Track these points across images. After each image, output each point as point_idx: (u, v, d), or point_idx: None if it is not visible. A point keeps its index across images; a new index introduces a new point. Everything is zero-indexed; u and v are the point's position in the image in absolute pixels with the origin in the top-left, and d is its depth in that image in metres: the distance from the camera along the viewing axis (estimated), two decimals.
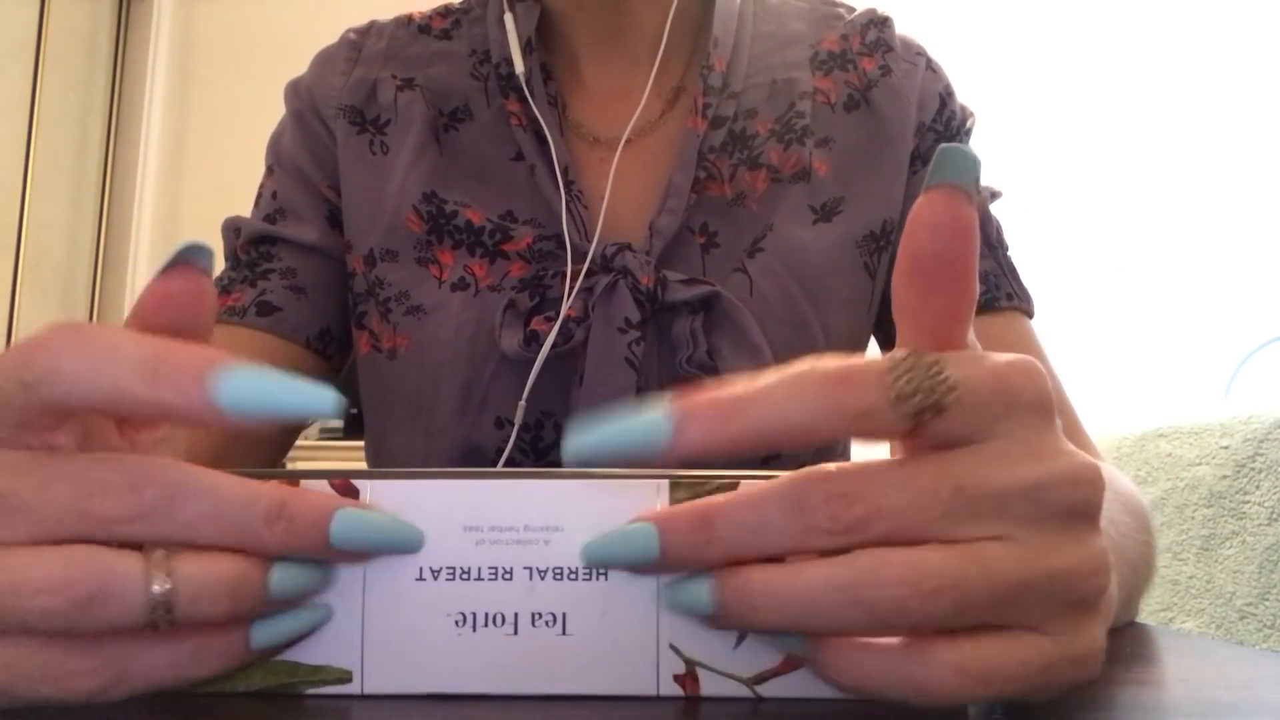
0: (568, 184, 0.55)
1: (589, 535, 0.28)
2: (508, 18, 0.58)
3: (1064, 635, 0.22)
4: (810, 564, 0.22)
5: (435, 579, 0.28)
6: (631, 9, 0.58)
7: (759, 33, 0.61)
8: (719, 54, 0.58)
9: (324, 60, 0.63)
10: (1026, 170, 2.12)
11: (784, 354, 0.52)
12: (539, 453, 0.53)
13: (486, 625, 0.27)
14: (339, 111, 0.60)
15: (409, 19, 0.64)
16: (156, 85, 2.05)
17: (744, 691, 0.27)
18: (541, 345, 0.51)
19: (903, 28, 0.63)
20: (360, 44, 0.62)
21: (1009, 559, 0.21)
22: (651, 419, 0.22)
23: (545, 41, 0.60)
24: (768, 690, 0.27)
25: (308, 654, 0.28)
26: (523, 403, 0.51)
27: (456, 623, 0.27)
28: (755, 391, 0.22)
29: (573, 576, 0.27)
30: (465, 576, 0.28)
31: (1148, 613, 1.49)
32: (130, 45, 2.10)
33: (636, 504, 0.28)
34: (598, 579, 0.27)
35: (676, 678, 0.27)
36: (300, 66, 0.64)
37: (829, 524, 0.21)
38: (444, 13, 0.64)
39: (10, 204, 1.88)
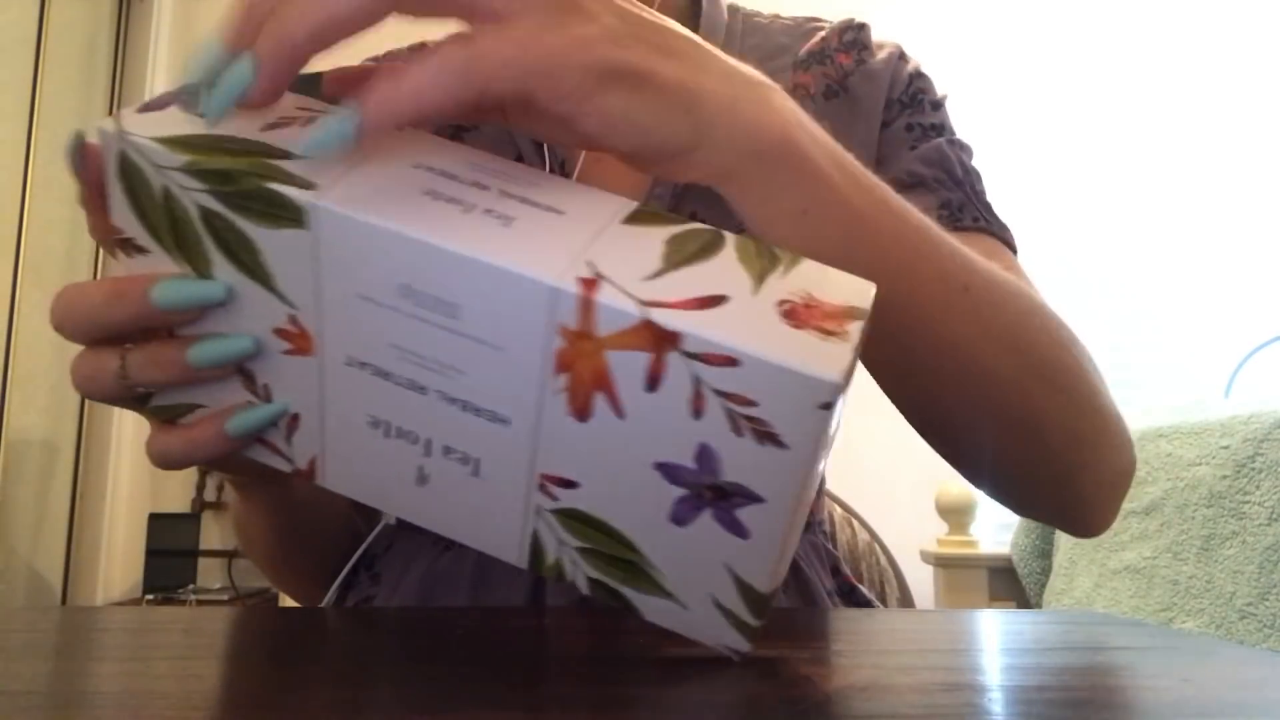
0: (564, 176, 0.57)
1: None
2: None
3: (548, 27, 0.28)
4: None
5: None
6: None
7: (746, 46, 0.65)
8: None
9: None
10: (1026, 171, 2.12)
11: None
12: None
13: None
14: None
15: (422, 46, 0.67)
16: (156, 85, 2.05)
17: (633, 309, 0.24)
18: None
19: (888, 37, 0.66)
20: None
21: None
22: (343, 117, 0.26)
23: None
24: (660, 317, 0.24)
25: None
26: None
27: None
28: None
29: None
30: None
31: (1148, 612, 1.49)
32: (130, 45, 2.10)
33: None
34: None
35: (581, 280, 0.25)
36: None
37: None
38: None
39: (10, 204, 1.88)
